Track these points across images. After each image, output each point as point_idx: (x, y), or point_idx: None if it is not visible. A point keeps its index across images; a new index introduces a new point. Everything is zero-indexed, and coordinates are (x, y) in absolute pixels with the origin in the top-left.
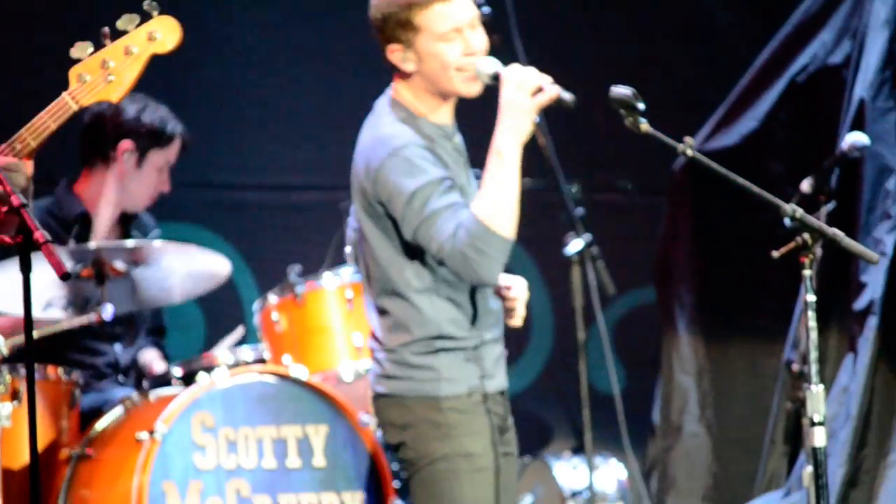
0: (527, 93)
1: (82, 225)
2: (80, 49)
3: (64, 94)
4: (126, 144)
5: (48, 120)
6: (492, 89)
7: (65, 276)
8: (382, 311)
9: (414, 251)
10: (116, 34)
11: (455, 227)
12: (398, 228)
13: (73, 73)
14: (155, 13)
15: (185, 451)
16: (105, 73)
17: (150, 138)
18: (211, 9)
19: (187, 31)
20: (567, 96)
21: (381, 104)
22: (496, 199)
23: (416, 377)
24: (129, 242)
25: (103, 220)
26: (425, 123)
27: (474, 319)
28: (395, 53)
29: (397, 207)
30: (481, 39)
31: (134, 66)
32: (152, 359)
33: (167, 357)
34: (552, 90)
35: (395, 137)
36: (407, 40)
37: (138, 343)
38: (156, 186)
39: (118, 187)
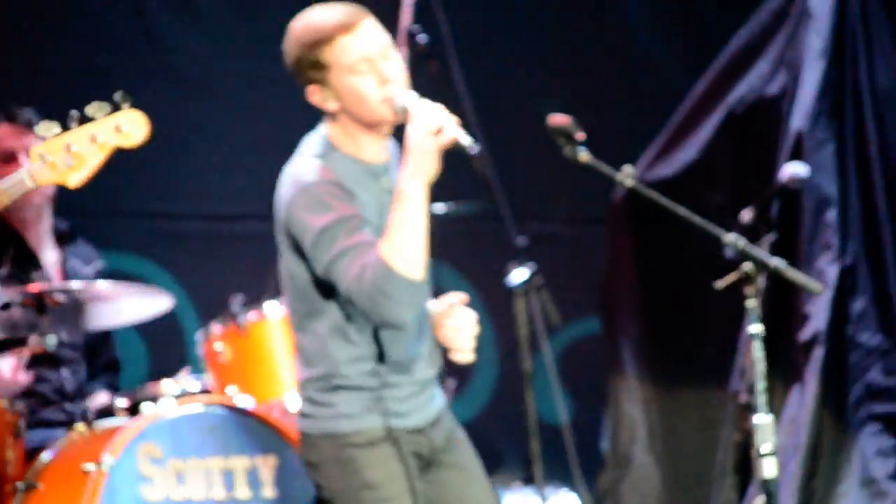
0: (429, 132)
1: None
2: (46, 128)
3: (22, 170)
4: None
5: (1, 195)
6: None
7: (4, 307)
8: (297, 347)
9: (324, 287)
10: (84, 119)
11: (361, 268)
12: (309, 264)
13: (35, 150)
14: (125, 105)
15: (132, 483)
16: (67, 156)
17: None
18: (147, 37)
19: (124, 61)
20: (466, 141)
21: (308, 139)
22: (400, 242)
23: (318, 414)
24: (73, 284)
25: None
26: (346, 160)
27: (378, 362)
28: (315, 95)
29: (306, 244)
30: (396, 69)
31: (97, 154)
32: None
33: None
34: (451, 133)
35: (305, 174)
36: (322, 79)
37: (93, 380)
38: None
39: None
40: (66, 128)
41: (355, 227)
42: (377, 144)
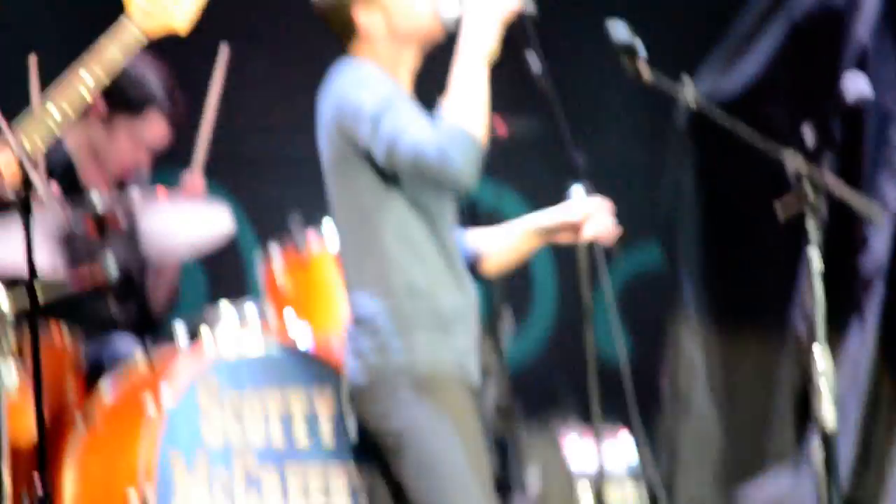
0: (487, 9)
1: (68, 177)
2: None
3: (129, 26)
4: (97, 104)
5: (116, 52)
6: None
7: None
8: (357, 276)
9: (382, 189)
10: None
11: (431, 130)
12: (363, 161)
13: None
14: None
15: (191, 421)
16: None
17: (119, 102)
18: None
19: None
20: (528, 8)
21: (342, 65)
22: (465, 108)
23: (389, 349)
24: (132, 192)
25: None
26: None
27: (448, 283)
28: (362, 16)
29: (363, 127)
30: None
31: None
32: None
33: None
34: (512, 2)
35: (360, 71)
36: (369, 2)
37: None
38: (129, 159)
39: (86, 148)
40: None
41: (413, 108)
42: (411, 72)
